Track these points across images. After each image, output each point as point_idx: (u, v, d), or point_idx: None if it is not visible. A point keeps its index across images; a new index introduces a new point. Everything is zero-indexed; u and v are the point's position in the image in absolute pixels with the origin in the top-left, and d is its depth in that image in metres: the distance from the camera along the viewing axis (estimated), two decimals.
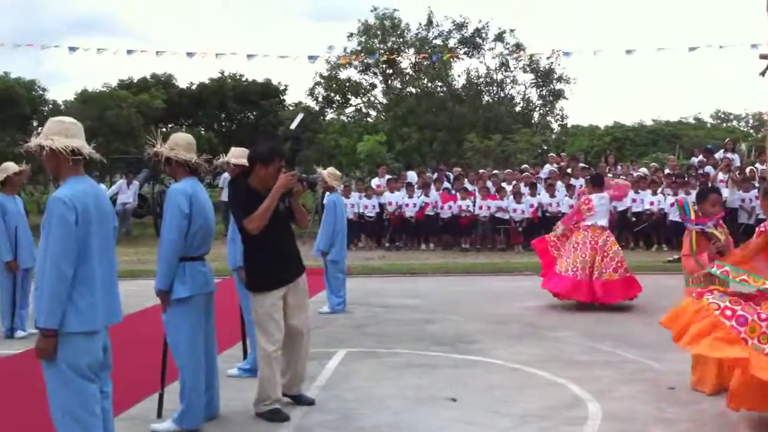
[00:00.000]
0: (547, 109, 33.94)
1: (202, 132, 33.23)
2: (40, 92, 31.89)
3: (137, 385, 6.33)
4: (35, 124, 29.79)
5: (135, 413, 5.85)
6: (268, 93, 34.38)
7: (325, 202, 11.01)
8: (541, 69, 32.33)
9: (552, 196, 18.53)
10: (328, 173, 9.80)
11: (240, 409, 5.94)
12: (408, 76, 32.74)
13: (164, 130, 28.21)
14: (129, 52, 22.16)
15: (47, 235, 4.21)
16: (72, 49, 21.51)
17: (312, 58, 23.83)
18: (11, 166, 9.04)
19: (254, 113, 34.62)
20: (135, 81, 33.56)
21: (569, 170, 20.05)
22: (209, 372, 5.66)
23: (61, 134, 4.36)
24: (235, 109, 34.44)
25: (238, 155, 6.72)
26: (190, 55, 21.91)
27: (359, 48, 30.92)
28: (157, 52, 22.25)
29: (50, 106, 31.91)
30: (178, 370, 5.47)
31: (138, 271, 14.24)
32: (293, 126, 6.95)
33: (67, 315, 4.19)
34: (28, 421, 5.57)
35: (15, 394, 6.41)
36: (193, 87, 34.32)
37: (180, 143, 5.55)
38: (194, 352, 5.45)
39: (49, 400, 4.28)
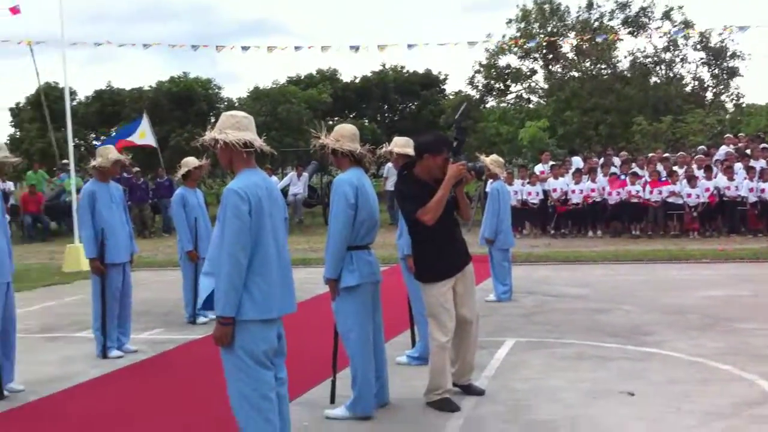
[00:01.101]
0: (721, 87, 31.89)
1: (366, 123, 33.84)
2: (216, 90, 33.59)
3: (311, 371, 6.47)
4: (213, 120, 31.47)
5: (309, 399, 5.97)
6: (429, 83, 34.53)
7: (488, 190, 10.83)
8: (713, 46, 30.41)
9: (730, 179, 17.40)
10: (491, 161, 9.63)
11: (409, 396, 5.92)
12: (570, 60, 31.79)
13: (331, 123, 29.01)
14: (297, 48, 22.85)
15: (222, 225, 4.34)
16: (245, 48, 22.45)
17: (471, 44, 23.62)
18: (192, 161, 9.50)
19: (415, 103, 34.86)
20: (302, 77, 34.64)
21: (748, 151, 18.75)
22: (378, 361, 5.69)
23: (234, 127, 4.47)
24: (396, 100, 34.82)
25: (401, 145, 6.70)
26: (353, 48, 22.30)
27: (518, 34, 30.35)
28: (323, 47, 22.78)
29: (225, 103, 33.54)
30: (349, 358, 5.53)
31: (309, 259, 14.68)
32: (457, 116, 6.87)
33: (243, 303, 4.30)
34: (210, 404, 5.81)
35: (197, 378, 6.73)
36: (357, 81, 35.00)
37: (344, 134, 5.58)
38: (364, 341, 5.48)
39: (227, 384, 4.42)
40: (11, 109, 35.92)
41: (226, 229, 4.30)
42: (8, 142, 34.01)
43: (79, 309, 10.12)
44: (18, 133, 34.67)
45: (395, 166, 6.80)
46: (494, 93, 32.19)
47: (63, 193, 21.26)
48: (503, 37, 30.40)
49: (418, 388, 5.88)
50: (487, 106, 31.55)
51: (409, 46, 21.81)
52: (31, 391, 6.42)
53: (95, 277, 7.69)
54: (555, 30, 30.52)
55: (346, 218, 5.38)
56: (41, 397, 6.32)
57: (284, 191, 21.85)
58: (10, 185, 22.69)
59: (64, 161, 21.47)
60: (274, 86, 31.73)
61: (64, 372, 7.11)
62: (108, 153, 7.94)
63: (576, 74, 31.23)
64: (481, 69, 31.26)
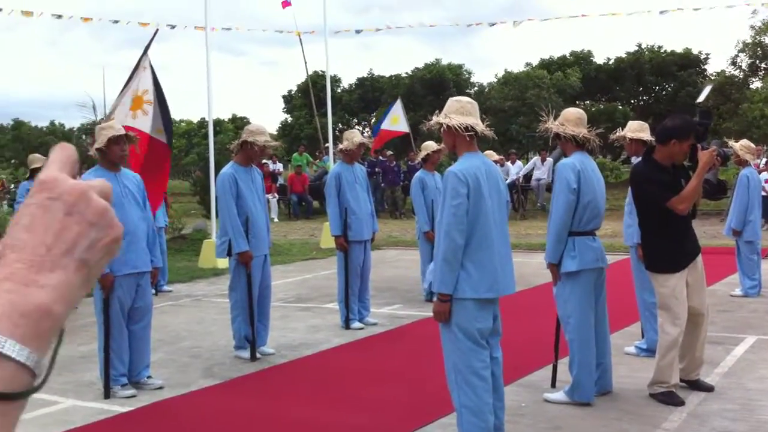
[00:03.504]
0: None
1: (619, 107, 32.66)
2: (466, 76, 34.17)
3: (533, 355, 6.55)
4: None
5: (530, 381, 6.06)
6: (688, 63, 32.49)
7: (737, 177, 10.12)
8: None
9: None
10: (740, 146, 9.00)
11: (633, 387, 5.81)
12: None
13: (582, 106, 28.30)
14: (543, 20, 22.60)
15: (442, 206, 4.57)
16: (491, 24, 22.55)
17: (730, 7, 21.80)
18: (431, 145, 9.86)
19: (672, 85, 33.01)
20: (555, 59, 34.14)
21: None
22: (600, 348, 5.63)
23: (458, 112, 4.67)
24: (651, 81, 33.18)
25: (634, 129, 6.52)
26: (602, 16, 21.58)
27: None
28: (570, 16, 22.25)
29: (475, 88, 34.04)
30: (567, 343, 5.54)
31: (537, 244, 14.60)
32: (700, 99, 6.55)
33: (460, 282, 4.50)
34: (431, 376, 6.09)
35: (425, 351, 7.05)
36: (610, 62, 33.86)
37: (569, 118, 5.56)
38: (584, 327, 5.46)
39: (444, 359, 4.66)
40: (284, 96, 39.04)
41: (444, 209, 4.53)
42: (281, 126, 37.04)
43: (330, 282, 10.90)
44: (289, 119, 37.56)
45: (628, 151, 6.64)
46: (760, 73, 29.60)
47: (325, 174, 22.84)
48: None
49: (643, 379, 5.76)
50: (752, 87, 29.09)
51: (661, 12, 20.65)
52: (280, 355, 7.11)
53: (340, 254, 8.29)
54: None
55: (567, 203, 5.37)
56: (288, 360, 6.98)
57: (528, 176, 21.78)
58: (279, 166, 24.76)
59: (327, 144, 23.03)
60: (524, 71, 31.60)
61: (310, 339, 7.77)
62: (353, 137, 8.50)
63: None
64: (746, 48, 28.89)
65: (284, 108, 39.00)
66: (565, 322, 5.53)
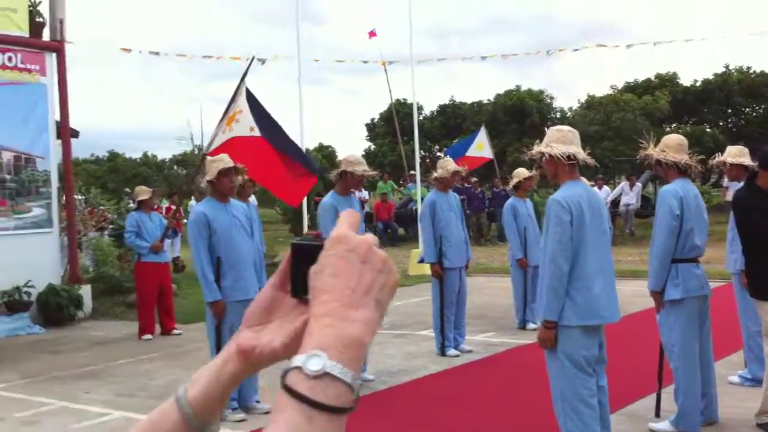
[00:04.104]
0: None
1: (707, 129, 31.93)
2: (548, 101, 34.04)
3: (635, 383, 6.52)
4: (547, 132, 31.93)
5: (633, 410, 6.03)
6: None
7: None
8: None
9: None
10: None
11: (740, 417, 5.73)
12: None
13: (668, 130, 27.79)
14: (628, 46, 22.39)
15: (546, 234, 4.67)
16: (575, 50, 22.49)
17: None
18: (522, 172, 9.96)
19: (762, 107, 32.08)
20: (639, 82, 33.70)
21: None
22: (705, 377, 5.58)
23: (560, 141, 4.78)
24: (741, 103, 32.35)
25: (735, 154, 6.47)
26: (687, 41, 21.26)
27: None
28: (654, 43, 21.99)
29: (557, 114, 33.86)
30: (672, 372, 5.51)
31: (640, 271, 14.33)
32: None
33: (565, 309, 4.58)
34: (532, 403, 6.14)
35: (523, 379, 7.10)
36: (697, 84, 33.19)
37: (670, 145, 5.58)
38: (688, 355, 5.42)
39: (550, 386, 4.73)
40: (367, 125, 39.62)
41: (549, 237, 4.63)
42: (364, 154, 37.55)
43: (421, 309, 11.02)
44: (372, 147, 38.07)
45: (728, 176, 6.58)
46: None
47: (410, 201, 23.04)
48: None
49: (749, 409, 5.67)
50: None
51: (751, 34, 20.25)
52: (380, 381, 7.26)
53: (435, 281, 8.43)
54: None
55: (670, 230, 5.37)
56: (388, 386, 7.12)
57: (616, 201, 21.49)
58: (365, 194, 25.13)
59: (411, 172, 23.26)
60: (609, 94, 31.27)
61: (408, 366, 7.90)
62: (447, 165, 8.66)
63: None
64: None
65: (367, 136, 39.58)
66: (670, 350, 5.50)
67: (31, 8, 12.32)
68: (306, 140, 14.01)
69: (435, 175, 8.73)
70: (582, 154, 4.76)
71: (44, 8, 12.44)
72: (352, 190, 7.61)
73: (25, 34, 11.58)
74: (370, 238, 0.85)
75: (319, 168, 11.39)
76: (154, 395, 7.03)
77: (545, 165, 4.87)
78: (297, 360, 0.76)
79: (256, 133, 9.01)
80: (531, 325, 9.61)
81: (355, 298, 0.80)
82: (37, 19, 12.56)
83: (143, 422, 0.95)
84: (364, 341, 0.79)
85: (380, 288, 0.83)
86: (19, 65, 11.40)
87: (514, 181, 9.96)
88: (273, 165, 8.92)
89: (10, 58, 11.29)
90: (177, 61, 19.56)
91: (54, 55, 11.92)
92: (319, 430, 0.73)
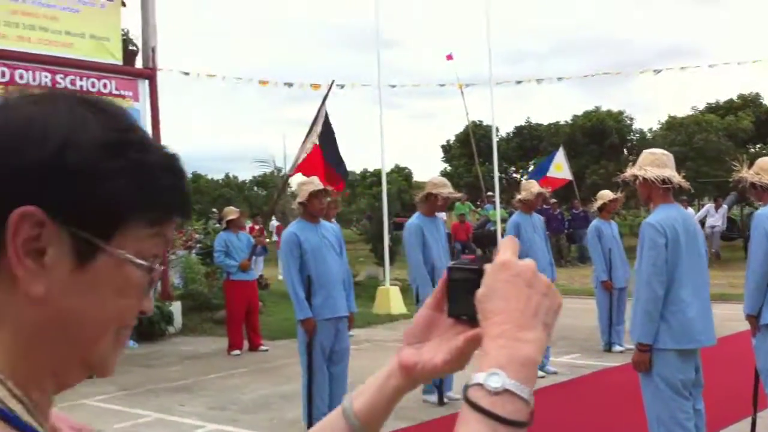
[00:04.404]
0: None
1: None
2: (628, 122, 33.51)
3: (730, 407, 6.40)
4: (625, 153, 31.43)
5: None
6: None
7: None
8: None
9: None
10: None
11: None
12: None
13: (752, 150, 27.03)
14: (710, 66, 21.99)
15: (640, 257, 4.68)
16: (657, 71, 22.18)
17: None
18: (607, 194, 9.90)
19: None
20: (722, 103, 32.92)
21: None
22: None
23: (654, 164, 4.78)
24: None
25: None
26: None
27: None
28: (738, 63, 21.53)
29: (637, 135, 33.28)
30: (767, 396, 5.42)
31: (728, 294, 14.01)
32: None
33: (661, 332, 4.57)
34: (628, 426, 6.09)
35: (611, 402, 7.04)
36: None
37: (765, 168, 5.50)
38: None
39: (645, 409, 4.71)
40: (443, 146, 39.71)
41: (644, 260, 4.63)
42: (440, 176, 37.64)
43: None
44: (448, 168, 38.13)
45: None
46: None
47: (488, 222, 23.02)
48: None
49: None
50: None
51: None
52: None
53: None
54: None
55: (766, 253, 5.29)
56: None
57: (701, 223, 21.02)
58: (443, 215, 25.23)
59: (489, 193, 23.27)
60: (690, 115, 30.64)
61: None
62: (531, 187, 8.69)
63: None
64: None
65: (443, 157, 39.64)
66: (766, 375, 5.40)
67: (124, 37, 12.91)
68: (379, 162, 14.22)
69: (519, 196, 8.76)
70: (677, 178, 4.75)
71: (136, 37, 13.04)
72: (436, 212, 7.74)
73: (119, 62, 12.11)
74: (532, 263, 0.91)
75: (398, 190, 11.67)
76: (245, 409, 7.24)
77: (639, 188, 4.87)
78: (478, 377, 0.82)
79: (315, 140, 9.87)
80: (617, 348, 9.52)
81: (525, 321, 0.86)
82: (130, 48, 13.16)
83: (313, 428, 1.02)
84: (537, 360, 0.85)
85: (546, 311, 0.89)
86: (114, 92, 11.90)
87: (599, 203, 9.90)
88: (318, 169, 9.85)
89: (105, 85, 11.82)
90: (258, 86, 20.10)
91: (146, 81, 12.41)
92: None
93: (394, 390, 0.99)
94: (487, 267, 0.91)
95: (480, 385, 0.82)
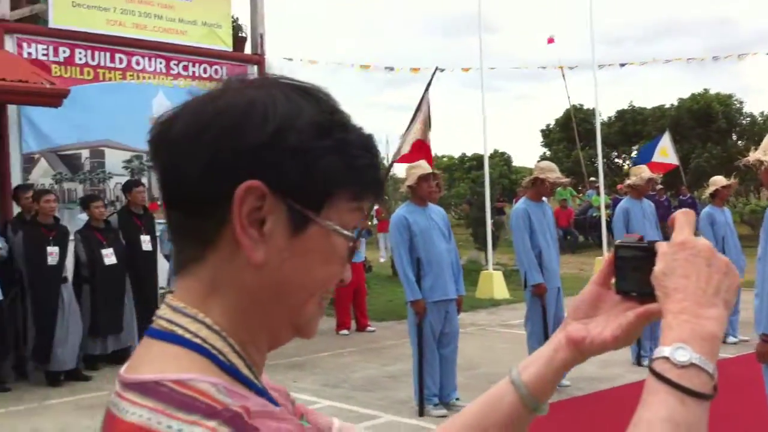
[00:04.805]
0: None
1: None
2: (737, 105, 32.21)
3: None
4: (734, 138, 30.25)
5: None
6: None
7: None
8: None
9: None
10: None
11: None
12: None
13: None
14: None
15: (765, 244, 4.54)
16: None
17: None
18: (720, 180, 9.59)
19: None
20: None
21: None
22: None
23: None
24: None
25: None
26: None
27: None
28: None
29: (747, 119, 31.96)
30: None
31: None
32: None
33: None
34: (746, 416, 5.94)
35: (733, 393, 6.86)
36: None
37: None
38: None
39: None
40: (542, 131, 39.11)
41: (763, 247, 4.49)
42: (539, 161, 37.17)
43: None
44: (547, 152, 37.57)
45: None
46: None
47: (590, 208, 22.63)
48: None
49: None
50: None
51: None
52: (576, 387, 7.26)
53: None
54: None
55: None
56: (584, 392, 7.13)
57: None
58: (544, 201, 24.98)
59: (592, 179, 22.85)
60: None
61: (604, 374, 7.81)
62: (641, 172, 8.51)
63: None
64: None
65: (542, 142, 39.04)
66: None
67: (234, 24, 13.26)
68: (477, 146, 14.20)
69: (628, 182, 8.60)
70: None
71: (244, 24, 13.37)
72: (543, 196, 7.70)
73: (229, 48, 12.46)
74: (709, 242, 0.93)
75: (498, 175, 11.64)
76: (357, 387, 7.41)
77: (763, 173, 4.72)
78: (664, 351, 0.86)
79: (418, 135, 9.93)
80: (731, 339, 9.24)
81: (707, 298, 0.89)
82: (240, 35, 13.51)
83: (477, 401, 1.07)
84: (719, 336, 0.89)
85: (726, 289, 0.91)
86: (225, 77, 12.24)
87: (711, 189, 9.59)
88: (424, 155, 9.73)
89: (216, 71, 12.19)
90: (359, 71, 20.41)
91: (255, 67, 12.72)
92: (690, 412, 0.84)
93: (561, 363, 1.02)
94: (662, 245, 0.94)
95: (666, 358, 0.85)
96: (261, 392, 0.84)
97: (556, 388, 1.06)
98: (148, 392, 0.78)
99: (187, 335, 0.83)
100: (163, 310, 0.86)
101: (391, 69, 20.46)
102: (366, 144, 0.88)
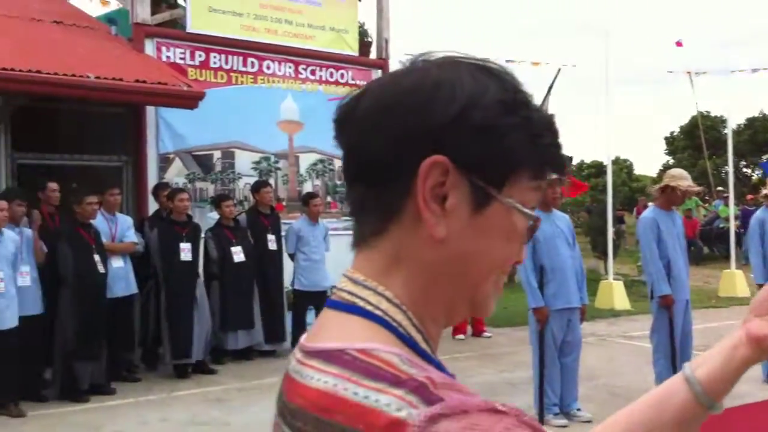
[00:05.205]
0: None
1: None
2: None
3: None
4: None
5: None
6: None
7: None
8: None
9: None
10: None
11: None
12: None
13: None
14: None
15: None
16: None
17: None
18: None
19: None
20: None
21: None
22: None
23: None
24: None
25: None
26: None
27: None
28: None
29: None
30: None
31: None
32: None
33: None
34: None
35: None
36: None
37: None
38: None
39: None
40: (666, 138, 37.88)
41: None
42: (662, 169, 35.99)
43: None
44: (671, 161, 36.34)
45: None
46: None
47: (716, 219, 21.74)
48: None
49: None
50: None
51: None
52: None
53: None
54: None
55: None
56: None
57: None
58: None
59: (719, 188, 21.97)
60: None
61: (734, 390, 7.49)
62: None
63: None
64: None
65: (666, 150, 37.82)
66: None
67: (360, 29, 13.51)
68: (596, 153, 13.89)
69: (765, 191, 8.22)
70: None
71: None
72: (674, 205, 7.46)
73: (355, 53, 12.69)
74: None
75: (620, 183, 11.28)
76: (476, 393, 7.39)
77: None
78: None
79: None
80: None
81: None
82: (366, 39, 13.75)
83: (640, 401, 1.06)
84: None
85: None
86: (350, 81, 12.48)
87: None
88: None
89: (342, 75, 12.43)
90: None
91: (379, 71, 12.90)
92: None
93: (741, 360, 1.02)
94: None
95: None
96: (438, 366, 0.85)
97: (733, 385, 1.05)
98: (332, 359, 0.80)
99: (369, 307, 0.84)
100: (343, 282, 0.89)
101: (511, 61, 20.30)
102: (549, 123, 0.88)
